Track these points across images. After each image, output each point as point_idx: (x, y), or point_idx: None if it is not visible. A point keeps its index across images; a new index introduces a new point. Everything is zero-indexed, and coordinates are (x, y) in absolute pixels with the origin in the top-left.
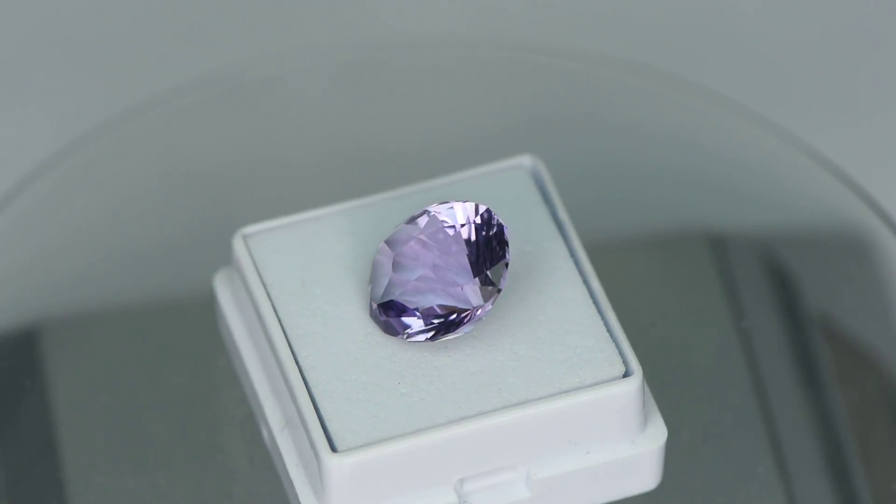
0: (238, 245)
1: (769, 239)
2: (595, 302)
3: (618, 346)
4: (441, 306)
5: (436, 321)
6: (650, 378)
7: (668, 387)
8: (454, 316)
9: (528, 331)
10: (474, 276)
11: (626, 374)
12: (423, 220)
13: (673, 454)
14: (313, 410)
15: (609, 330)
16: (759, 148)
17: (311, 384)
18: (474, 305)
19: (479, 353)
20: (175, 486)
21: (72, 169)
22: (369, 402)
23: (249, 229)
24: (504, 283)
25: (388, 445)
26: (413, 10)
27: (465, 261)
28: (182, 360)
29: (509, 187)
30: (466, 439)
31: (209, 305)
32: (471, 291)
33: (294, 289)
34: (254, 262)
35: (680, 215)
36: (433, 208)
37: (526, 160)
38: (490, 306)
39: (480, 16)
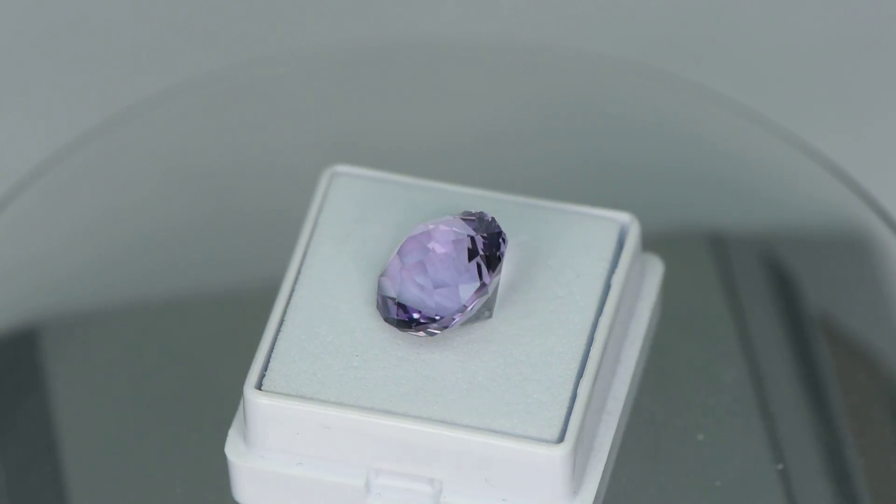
0: (324, 179)
1: (769, 239)
2: (581, 367)
3: (569, 412)
4: (407, 299)
5: (401, 313)
6: (650, 378)
7: (666, 387)
8: (416, 316)
9: (502, 364)
10: (451, 287)
11: (558, 441)
12: (453, 218)
13: (673, 454)
14: (269, 345)
15: (574, 396)
16: (760, 148)
17: (285, 322)
18: (437, 313)
19: (444, 362)
20: (175, 486)
21: (72, 169)
22: (318, 360)
23: (341, 168)
24: (472, 306)
25: (304, 404)
26: (414, 10)
27: (454, 269)
28: (183, 359)
29: (588, 235)
30: (379, 433)
31: (210, 305)
32: (440, 298)
33: (338, 235)
34: (323, 198)
35: (680, 215)
36: (474, 212)
37: (623, 217)
38: (456, 320)
39: (480, 16)
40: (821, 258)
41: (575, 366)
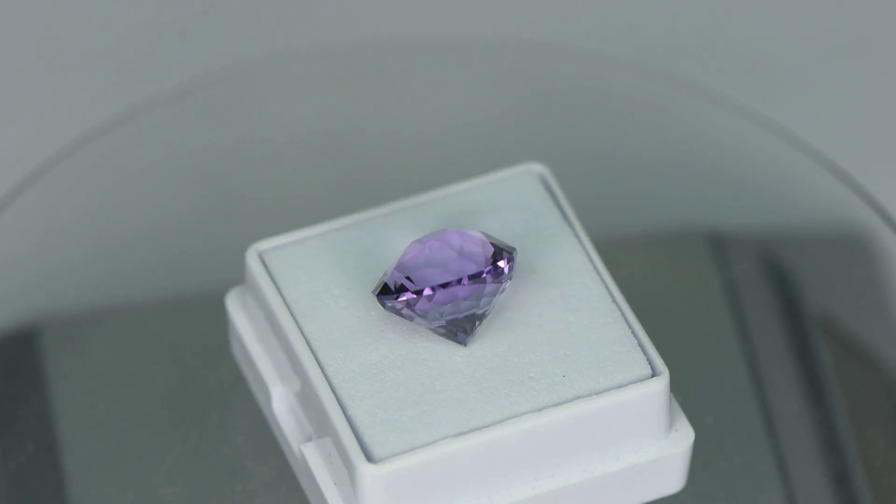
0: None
1: (769, 239)
2: (478, 430)
3: (409, 452)
4: (392, 272)
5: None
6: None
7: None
8: (382, 290)
9: (413, 382)
10: (428, 283)
11: (372, 459)
12: (483, 236)
13: None
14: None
15: (428, 446)
16: (760, 147)
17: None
18: (395, 297)
19: (377, 351)
20: (175, 486)
21: (72, 169)
22: (310, 275)
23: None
24: (402, 300)
25: (268, 287)
26: (413, 10)
27: (424, 264)
28: (182, 359)
29: (615, 361)
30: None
31: (209, 304)
32: (395, 274)
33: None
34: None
35: (680, 214)
36: (508, 246)
37: (659, 374)
38: (396, 306)
39: (480, 15)
40: (821, 258)
41: (452, 431)
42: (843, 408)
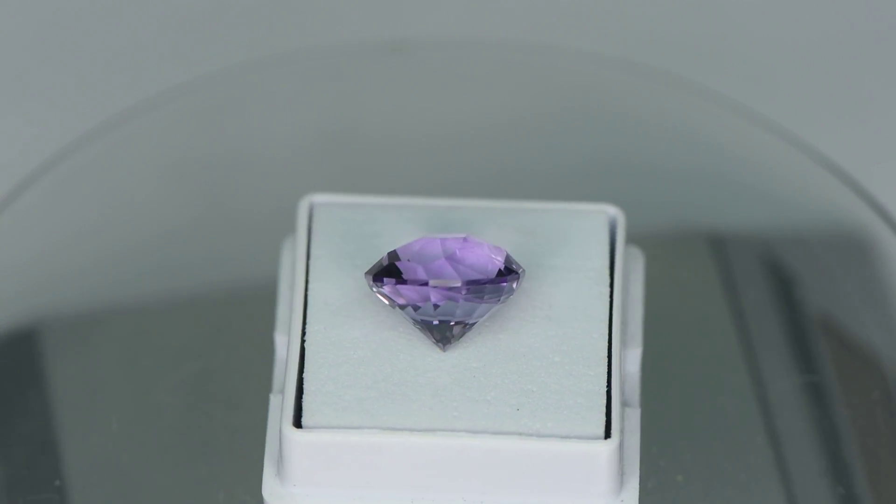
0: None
1: (769, 239)
2: (408, 431)
3: (339, 428)
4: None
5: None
6: (651, 377)
7: (667, 387)
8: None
9: (369, 368)
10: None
11: (299, 426)
12: (499, 249)
13: (673, 455)
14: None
15: (356, 429)
16: (760, 148)
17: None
18: (375, 279)
19: (347, 341)
20: (175, 486)
21: (72, 169)
22: (345, 239)
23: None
24: (377, 285)
25: (301, 238)
26: (413, 11)
27: (426, 269)
28: (182, 359)
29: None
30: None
31: (209, 305)
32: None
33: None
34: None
35: (680, 215)
36: (516, 264)
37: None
38: (386, 287)
39: (480, 16)
40: (821, 258)
41: (384, 424)
42: (843, 408)
